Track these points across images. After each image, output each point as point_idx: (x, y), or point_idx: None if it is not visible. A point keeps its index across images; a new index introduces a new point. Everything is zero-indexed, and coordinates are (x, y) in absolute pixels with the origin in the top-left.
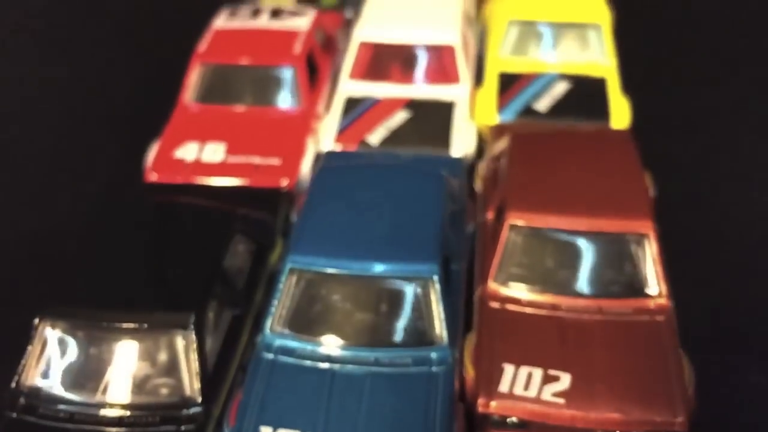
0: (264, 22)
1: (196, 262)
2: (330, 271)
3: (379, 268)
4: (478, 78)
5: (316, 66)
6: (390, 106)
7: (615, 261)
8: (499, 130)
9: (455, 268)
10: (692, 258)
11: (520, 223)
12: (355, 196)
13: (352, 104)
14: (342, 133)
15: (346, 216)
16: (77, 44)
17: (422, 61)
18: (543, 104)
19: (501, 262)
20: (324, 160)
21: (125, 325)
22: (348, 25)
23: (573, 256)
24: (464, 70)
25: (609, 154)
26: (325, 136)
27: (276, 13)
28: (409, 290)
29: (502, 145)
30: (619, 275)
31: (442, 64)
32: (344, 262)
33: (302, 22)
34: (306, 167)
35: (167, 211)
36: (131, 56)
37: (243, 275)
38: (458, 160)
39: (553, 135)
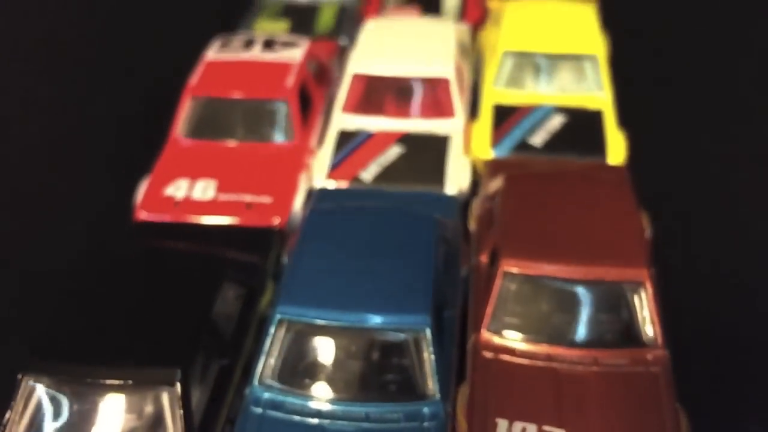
0: (257, 53)
1: (183, 313)
2: (319, 322)
3: (369, 319)
4: (475, 108)
5: (310, 98)
6: (383, 140)
7: (611, 310)
8: (494, 166)
9: (448, 314)
10: (688, 302)
11: (514, 270)
12: (345, 243)
13: (345, 138)
14: (335, 170)
15: (335, 264)
16: (65, 77)
17: (416, 94)
18: (538, 138)
19: (494, 310)
20: (315, 199)
21: (110, 381)
22: (343, 54)
23: (568, 304)
24: (459, 103)
25: (605, 195)
26: (318, 171)
27: (269, 44)
28: (401, 342)
29: (496, 184)
30: (614, 324)
31: (437, 97)
32: (334, 314)
33: (295, 53)
34: (298, 205)
35: (155, 256)
36: (122, 89)
37: (232, 322)
38: (452, 199)
39: (548, 175)
